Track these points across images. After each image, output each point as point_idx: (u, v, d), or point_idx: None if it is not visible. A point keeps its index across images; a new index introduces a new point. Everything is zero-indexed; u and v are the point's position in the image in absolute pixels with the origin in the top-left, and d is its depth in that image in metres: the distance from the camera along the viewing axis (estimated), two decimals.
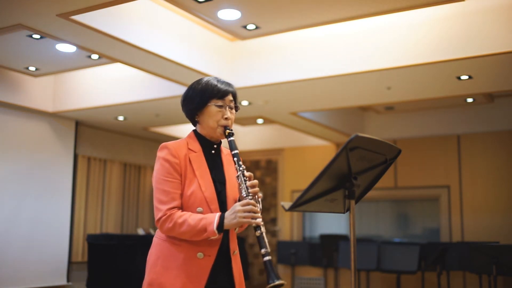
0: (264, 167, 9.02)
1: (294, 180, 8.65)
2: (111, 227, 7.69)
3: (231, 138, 2.15)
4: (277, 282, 1.89)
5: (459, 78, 5.06)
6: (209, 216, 2.01)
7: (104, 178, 7.71)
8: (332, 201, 1.91)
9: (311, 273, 7.89)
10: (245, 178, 2.08)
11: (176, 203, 2.03)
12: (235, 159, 2.12)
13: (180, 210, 2.03)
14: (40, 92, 6.50)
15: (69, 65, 5.71)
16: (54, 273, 6.73)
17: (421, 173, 7.69)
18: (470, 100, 6.87)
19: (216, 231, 1.97)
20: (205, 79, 2.20)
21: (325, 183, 1.81)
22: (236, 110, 2.21)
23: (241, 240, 6.85)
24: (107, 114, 6.79)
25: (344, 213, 2.00)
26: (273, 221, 8.84)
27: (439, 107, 7.51)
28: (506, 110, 7.17)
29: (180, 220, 1.99)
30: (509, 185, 7.08)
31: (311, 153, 8.58)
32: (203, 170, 2.11)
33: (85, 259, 6.96)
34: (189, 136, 2.20)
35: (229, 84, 2.19)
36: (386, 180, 7.75)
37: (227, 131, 2.15)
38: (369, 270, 6.17)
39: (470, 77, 5.02)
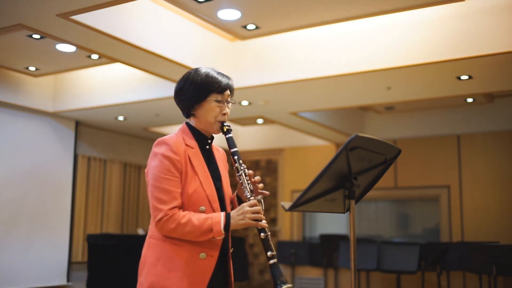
0: (264, 167, 9.01)
1: (294, 180, 8.65)
2: (111, 227, 7.69)
3: (230, 135, 2.08)
4: (284, 287, 1.86)
5: (459, 78, 5.06)
6: (214, 215, 1.94)
7: (104, 178, 7.70)
8: (332, 201, 1.90)
9: (311, 273, 7.89)
10: (247, 177, 2.02)
11: (177, 202, 1.93)
12: (236, 157, 2.04)
13: (181, 210, 1.95)
14: (40, 92, 6.49)
15: (69, 65, 5.71)
16: (54, 273, 6.72)
17: (421, 173, 7.68)
18: (470, 100, 6.87)
19: (223, 231, 1.91)
20: (203, 70, 2.09)
21: (325, 183, 1.80)
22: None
23: (241, 240, 6.85)
24: (107, 114, 6.78)
25: (344, 213, 1.99)
26: (273, 221, 8.84)
27: (439, 107, 7.51)
28: (506, 110, 7.17)
29: (183, 221, 1.90)
30: (509, 185, 7.07)
31: (311, 153, 8.58)
32: (202, 167, 2.03)
33: (85, 259, 6.96)
34: (182, 130, 2.10)
35: (228, 77, 2.12)
36: (386, 180, 7.74)
37: (225, 127, 2.08)
38: (369, 270, 6.17)
39: (470, 77, 5.02)
